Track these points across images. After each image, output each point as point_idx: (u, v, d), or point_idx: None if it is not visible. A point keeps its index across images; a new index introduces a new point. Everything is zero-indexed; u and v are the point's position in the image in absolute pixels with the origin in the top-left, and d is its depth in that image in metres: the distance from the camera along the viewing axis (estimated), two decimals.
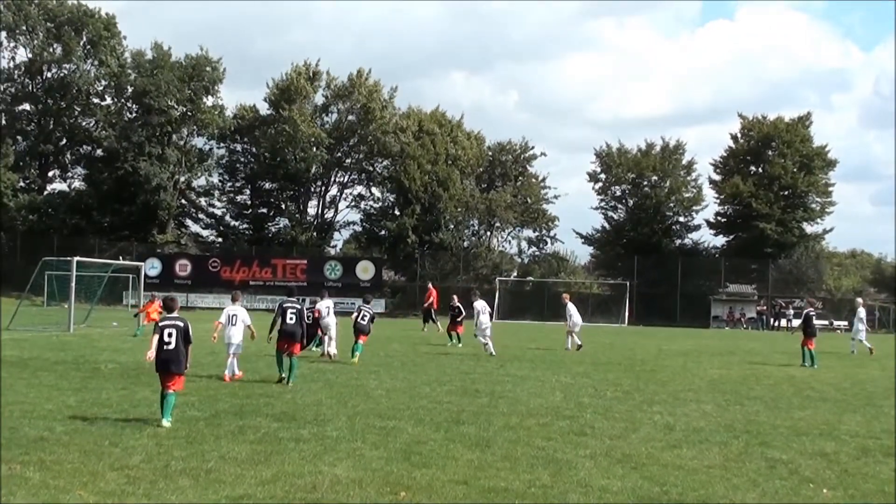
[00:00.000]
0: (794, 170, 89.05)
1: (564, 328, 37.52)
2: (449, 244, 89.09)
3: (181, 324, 15.28)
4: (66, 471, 11.21)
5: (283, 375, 21.55)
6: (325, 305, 28.26)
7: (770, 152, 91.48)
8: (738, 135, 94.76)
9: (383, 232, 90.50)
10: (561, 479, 11.49)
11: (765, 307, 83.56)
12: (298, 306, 23.09)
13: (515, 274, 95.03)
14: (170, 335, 15.10)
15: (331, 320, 28.04)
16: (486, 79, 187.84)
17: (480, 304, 33.32)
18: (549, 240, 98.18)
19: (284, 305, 22.56)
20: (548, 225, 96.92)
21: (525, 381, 23.26)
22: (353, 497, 10.33)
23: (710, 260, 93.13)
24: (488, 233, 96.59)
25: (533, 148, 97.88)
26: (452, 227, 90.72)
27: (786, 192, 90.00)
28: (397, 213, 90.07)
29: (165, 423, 14.69)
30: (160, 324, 15.41)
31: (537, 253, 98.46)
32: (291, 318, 22.26)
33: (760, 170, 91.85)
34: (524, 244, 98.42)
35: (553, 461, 12.57)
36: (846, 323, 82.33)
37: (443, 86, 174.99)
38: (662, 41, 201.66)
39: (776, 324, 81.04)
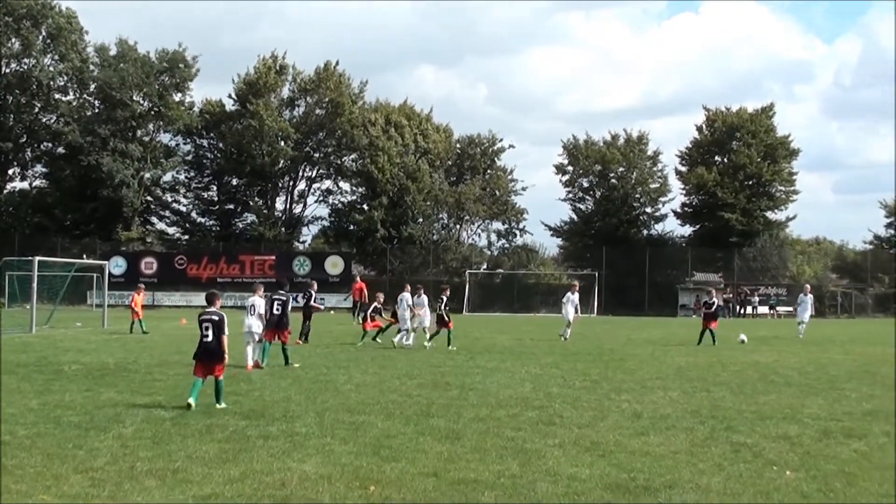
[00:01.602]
0: (759, 159, 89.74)
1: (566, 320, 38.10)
2: (418, 238, 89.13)
3: (216, 317, 16.45)
4: (29, 475, 11.07)
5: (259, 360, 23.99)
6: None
7: (734, 143, 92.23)
8: (703, 126, 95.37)
9: (352, 226, 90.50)
10: (530, 468, 11.53)
11: (731, 295, 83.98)
12: (284, 298, 25.11)
13: (485, 266, 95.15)
14: (206, 328, 16.43)
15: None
16: (456, 73, 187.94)
17: (423, 299, 33.47)
18: (518, 232, 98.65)
19: (273, 297, 24.97)
20: (517, 217, 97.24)
21: (495, 373, 23.30)
22: (322, 493, 10.33)
23: (676, 249, 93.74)
24: (457, 226, 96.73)
25: (501, 141, 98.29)
26: (421, 220, 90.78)
27: (750, 182, 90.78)
28: (366, 207, 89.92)
29: (220, 405, 16.38)
30: (200, 317, 16.66)
31: (506, 245, 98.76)
32: (277, 310, 24.82)
33: (725, 160, 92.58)
34: (493, 237, 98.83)
35: (522, 451, 12.61)
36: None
37: (412, 80, 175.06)
38: (630, 34, 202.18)
39: (742, 311, 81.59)
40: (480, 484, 10.69)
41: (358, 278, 53.91)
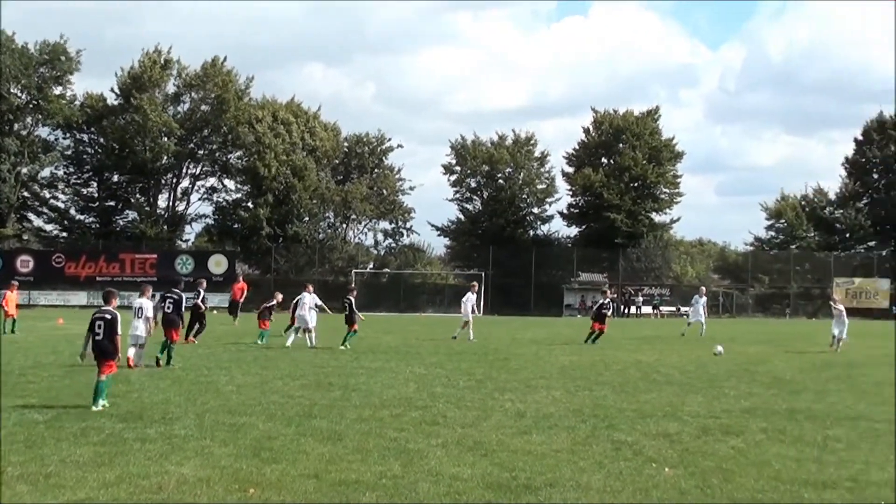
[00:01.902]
0: (644, 161, 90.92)
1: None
2: (304, 236, 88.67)
3: (109, 316, 16.48)
4: None
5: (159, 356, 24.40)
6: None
7: (621, 145, 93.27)
8: (591, 128, 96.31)
9: (236, 225, 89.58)
10: (412, 468, 11.51)
11: (615, 295, 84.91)
12: (176, 297, 25.47)
13: (371, 266, 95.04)
14: (99, 326, 16.43)
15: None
16: (344, 71, 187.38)
17: (309, 299, 33.38)
18: (405, 231, 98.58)
19: (165, 295, 25.56)
20: (403, 216, 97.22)
21: (379, 373, 23.23)
22: (200, 496, 10.19)
23: (562, 250, 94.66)
24: (344, 225, 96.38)
25: (389, 140, 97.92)
26: (308, 219, 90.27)
27: (636, 184, 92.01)
28: (251, 205, 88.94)
29: (95, 407, 16.15)
30: (94, 315, 16.69)
31: (393, 245, 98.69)
32: (169, 308, 25.25)
33: (611, 162, 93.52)
34: (380, 236, 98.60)
35: (405, 451, 12.59)
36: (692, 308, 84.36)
37: (300, 77, 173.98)
38: (519, 35, 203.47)
39: (626, 311, 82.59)
40: (362, 485, 10.64)
41: (241, 278, 53.54)
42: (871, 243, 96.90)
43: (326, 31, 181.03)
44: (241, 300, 48.76)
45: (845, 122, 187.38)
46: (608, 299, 38.35)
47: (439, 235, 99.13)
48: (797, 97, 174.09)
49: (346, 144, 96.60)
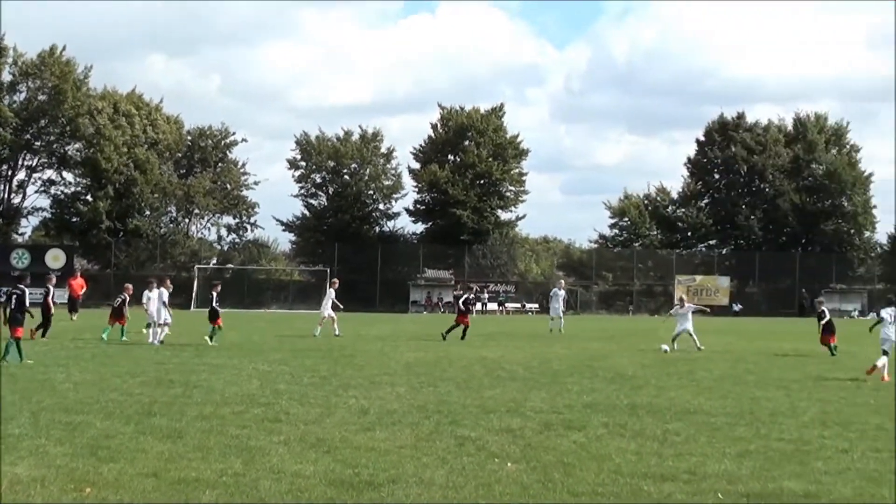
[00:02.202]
0: (489, 158, 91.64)
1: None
2: (145, 231, 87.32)
3: (19, 291, 21.85)
4: None
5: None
6: None
7: (466, 142, 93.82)
8: (438, 124, 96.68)
9: (75, 218, 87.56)
10: (254, 466, 11.35)
11: (461, 291, 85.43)
12: (20, 292, 24.63)
13: (215, 261, 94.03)
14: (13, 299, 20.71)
15: None
16: (188, 62, 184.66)
17: (155, 293, 33.04)
18: (249, 227, 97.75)
19: (10, 291, 25.27)
20: (248, 212, 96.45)
21: (221, 370, 22.94)
22: (34, 496, 9.88)
23: (408, 246, 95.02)
24: (187, 219, 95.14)
25: (234, 134, 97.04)
26: (149, 213, 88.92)
27: (481, 181, 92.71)
28: (90, 198, 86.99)
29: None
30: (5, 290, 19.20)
31: (237, 240, 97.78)
32: (13, 304, 24.52)
33: (457, 158, 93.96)
34: (223, 231, 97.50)
35: (246, 449, 12.41)
36: (537, 305, 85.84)
37: (140, 68, 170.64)
38: (365, 32, 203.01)
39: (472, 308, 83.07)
40: (202, 483, 10.45)
41: (78, 273, 52.40)
42: (712, 242, 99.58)
43: (169, 21, 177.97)
44: (82, 296, 47.84)
45: (687, 122, 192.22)
46: (472, 294, 38.74)
47: (284, 231, 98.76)
48: (640, 98, 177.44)
49: (189, 137, 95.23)
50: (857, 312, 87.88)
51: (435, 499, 9.98)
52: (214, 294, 33.66)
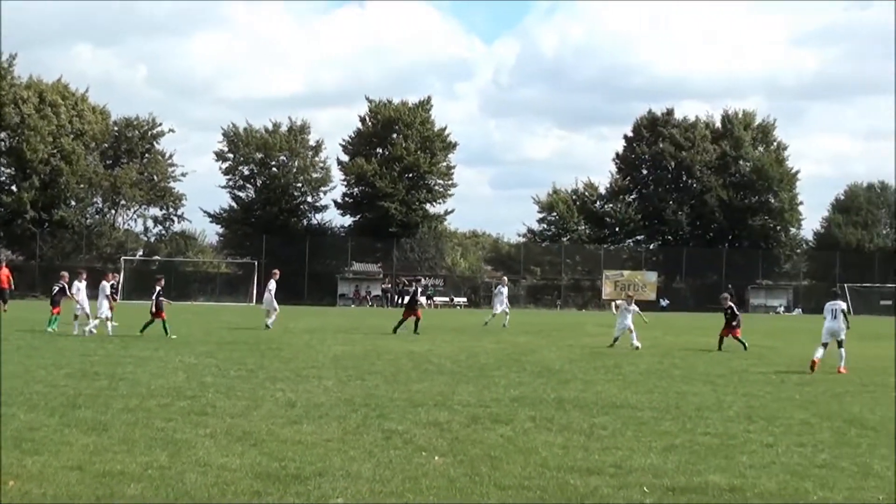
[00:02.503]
0: (417, 151, 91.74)
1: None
2: (71, 222, 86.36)
3: None
4: None
5: None
6: None
7: (394, 135, 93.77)
8: (367, 117, 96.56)
9: None
10: (179, 459, 11.28)
11: (389, 285, 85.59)
12: None
13: (141, 253, 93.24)
14: None
15: None
16: (114, 52, 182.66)
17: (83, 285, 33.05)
18: (176, 218, 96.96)
19: None
20: (175, 203, 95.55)
21: (147, 363, 22.77)
22: None
23: (337, 239, 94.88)
24: (113, 210, 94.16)
25: (161, 124, 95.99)
26: (75, 203, 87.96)
27: (410, 174, 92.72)
28: (14, 188, 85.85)
29: None
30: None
31: (164, 232, 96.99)
32: None
33: (386, 151, 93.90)
34: (150, 222, 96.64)
35: (172, 442, 12.33)
36: (465, 299, 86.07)
37: (67, 57, 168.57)
38: (294, 25, 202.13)
39: (400, 301, 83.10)
40: (127, 476, 10.36)
41: (3, 264, 51.71)
42: (640, 237, 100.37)
43: (95, 10, 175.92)
44: (10, 287, 47.33)
45: (615, 118, 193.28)
46: (420, 287, 38.91)
47: (211, 223, 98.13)
48: (569, 93, 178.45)
49: (115, 128, 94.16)
50: (782, 308, 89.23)
51: (362, 492, 9.97)
52: (158, 288, 33.56)
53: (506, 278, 49.66)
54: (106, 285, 33.14)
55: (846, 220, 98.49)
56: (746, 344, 30.76)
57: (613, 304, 34.44)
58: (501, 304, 44.83)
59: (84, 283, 33.34)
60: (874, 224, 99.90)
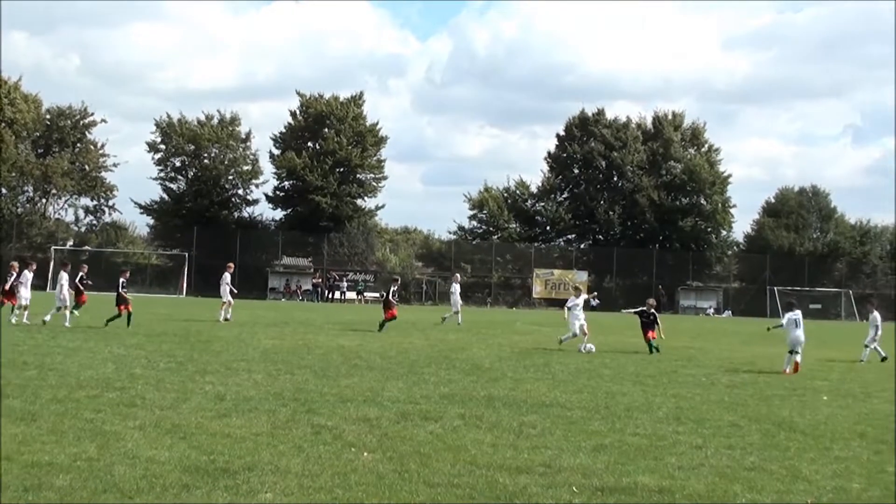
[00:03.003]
0: (349, 146, 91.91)
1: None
2: (1, 210, 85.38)
3: None
4: None
5: None
6: None
7: (326, 129, 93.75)
8: (298, 111, 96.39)
9: None
10: (108, 451, 11.25)
11: (320, 279, 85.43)
12: None
13: (72, 243, 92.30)
14: None
15: None
16: (47, 41, 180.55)
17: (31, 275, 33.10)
18: (107, 209, 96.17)
19: None
20: (106, 194, 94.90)
21: (76, 353, 22.64)
22: None
23: (267, 233, 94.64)
24: (44, 199, 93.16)
25: (93, 114, 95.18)
26: (5, 192, 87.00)
27: (341, 168, 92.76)
28: None
29: None
30: None
31: (94, 222, 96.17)
32: None
33: (317, 146, 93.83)
34: (81, 212, 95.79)
35: (101, 433, 12.29)
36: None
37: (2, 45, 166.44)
38: (228, 17, 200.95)
39: (331, 296, 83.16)
40: (55, 467, 10.33)
41: None
42: (571, 236, 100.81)
43: None
44: None
45: (547, 117, 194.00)
46: (396, 286, 38.90)
47: (142, 214, 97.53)
48: (501, 91, 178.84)
49: (48, 117, 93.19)
50: (712, 310, 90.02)
51: (291, 487, 10.00)
52: (123, 280, 33.55)
53: (458, 275, 49.50)
54: (64, 275, 33.85)
55: (777, 224, 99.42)
56: (659, 348, 30.28)
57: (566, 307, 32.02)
58: (455, 303, 44.73)
59: (31, 274, 33.42)
60: (805, 228, 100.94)
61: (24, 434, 12.03)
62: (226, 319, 38.27)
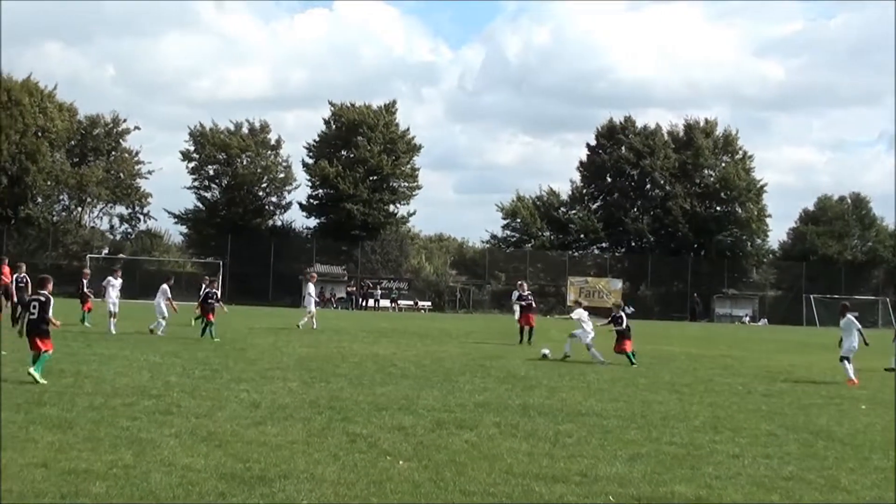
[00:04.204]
0: (381, 154, 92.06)
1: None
2: (37, 219, 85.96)
3: (43, 298, 18.47)
4: None
5: None
6: None
7: (358, 137, 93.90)
8: (330, 120, 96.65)
9: None
10: (144, 458, 11.26)
11: (354, 287, 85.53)
12: None
13: (107, 251, 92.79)
14: (34, 307, 18.38)
15: None
16: (83, 51, 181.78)
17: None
18: (142, 217, 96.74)
19: None
20: (141, 202, 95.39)
21: (112, 361, 22.70)
22: None
23: (301, 240, 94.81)
24: (79, 208, 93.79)
25: (125, 121, 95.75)
26: (41, 201, 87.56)
27: (373, 177, 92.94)
28: None
29: (40, 379, 17.62)
30: (27, 298, 19.41)
31: (129, 230, 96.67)
32: None
33: (350, 154, 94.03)
34: (116, 221, 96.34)
35: (137, 441, 12.31)
36: (430, 303, 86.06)
37: (35, 56, 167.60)
38: (261, 26, 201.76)
39: (364, 304, 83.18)
40: (92, 474, 10.35)
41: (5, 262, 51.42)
42: (604, 245, 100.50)
43: (65, 11, 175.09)
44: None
45: (580, 124, 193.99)
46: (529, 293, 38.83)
47: (176, 223, 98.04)
48: (534, 99, 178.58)
49: (82, 126, 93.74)
50: (748, 318, 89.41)
51: (326, 495, 9.99)
52: (207, 288, 34.30)
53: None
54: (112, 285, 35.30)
55: (822, 231, 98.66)
56: (632, 358, 28.43)
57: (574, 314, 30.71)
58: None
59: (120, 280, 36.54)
60: (847, 236, 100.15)
61: (60, 441, 12.06)
62: (312, 328, 39.48)
